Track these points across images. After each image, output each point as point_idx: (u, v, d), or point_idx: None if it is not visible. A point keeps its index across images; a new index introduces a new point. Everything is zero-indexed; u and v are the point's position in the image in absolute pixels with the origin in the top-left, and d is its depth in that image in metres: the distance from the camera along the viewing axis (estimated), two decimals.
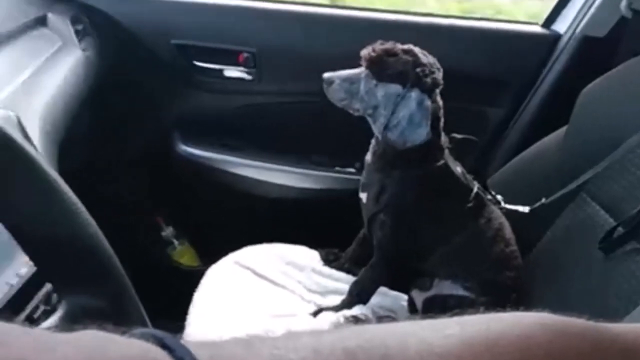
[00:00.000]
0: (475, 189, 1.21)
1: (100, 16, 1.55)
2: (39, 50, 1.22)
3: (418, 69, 1.14)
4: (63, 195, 0.48)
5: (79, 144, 1.35)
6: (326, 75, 1.19)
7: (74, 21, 1.43)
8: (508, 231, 1.24)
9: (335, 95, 1.19)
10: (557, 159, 1.28)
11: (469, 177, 1.24)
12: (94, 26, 1.50)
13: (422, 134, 1.15)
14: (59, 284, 0.51)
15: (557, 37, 1.60)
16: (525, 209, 1.24)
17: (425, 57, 1.16)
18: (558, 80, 1.58)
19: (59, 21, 1.39)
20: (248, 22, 1.62)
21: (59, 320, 0.49)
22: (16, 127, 0.88)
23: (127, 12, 1.59)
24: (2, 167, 0.46)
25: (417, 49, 1.17)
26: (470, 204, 1.19)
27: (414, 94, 1.14)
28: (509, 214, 1.26)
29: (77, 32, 1.41)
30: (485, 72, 1.62)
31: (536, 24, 1.67)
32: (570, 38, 1.57)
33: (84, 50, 1.40)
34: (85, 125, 1.34)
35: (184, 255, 1.81)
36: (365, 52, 1.17)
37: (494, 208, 1.24)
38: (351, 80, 1.18)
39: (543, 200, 1.22)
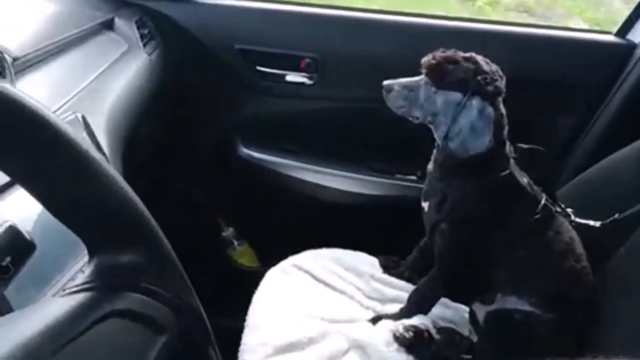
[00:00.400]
0: (542, 201, 1.16)
1: (166, 21, 1.56)
2: (106, 54, 1.23)
3: (479, 77, 1.10)
4: (85, 154, 0.47)
5: (144, 144, 1.37)
6: (386, 82, 1.17)
7: (140, 25, 1.46)
8: (579, 246, 1.17)
9: (395, 102, 1.17)
10: (633, 173, 1.22)
11: (536, 188, 1.19)
12: (159, 30, 1.52)
13: (484, 142, 1.12)
14: (88, 241, 0.50)
15: (633, 46, 1.54)
16: (596, 223, 1.18)
17: (487, 65, 1.12)
18: (633, 90, 1.50)
19: (125, 25, 1.41)
20: (310, 28, 1.62)
21: (89, 276, 0.48)
22: (82, 127, 0.89)
23: (191, 17, 1.61)
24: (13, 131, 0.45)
25: (479, 57, 1.13)
26: (537, 216, 1.14)
27: (475, 102, 1.10)
28: (580, 229, 1.20)
29: (142, 36, 1.43)
30: (556, 81, 1.56)
31: (610, 32, 1.61)
32: None
33: (149, 54, 1.41)
34: (149, 127, 1.36)
35: (243, 255, 1.82)
36: (425, 59, 1.14)
37: (564, 221, 1.19)
38: (410, 88, 1.15)
39: (616, 215, 1.16)
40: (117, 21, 1.40)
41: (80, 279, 0.49)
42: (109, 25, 1.38)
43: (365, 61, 1.58)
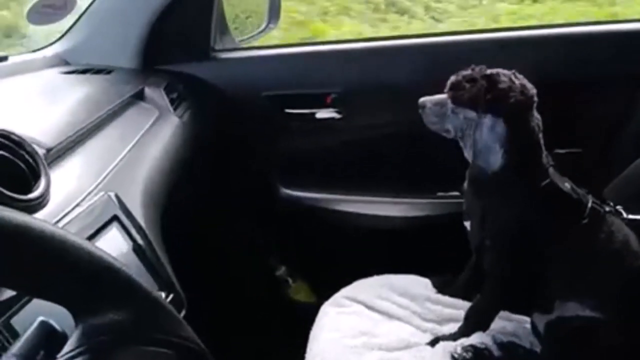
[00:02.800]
0: (589, 204, 1.12)
1: (193, 81, 1.59)
2: (137, 125, 1.26)
3: (488, 95, 1.11)
4: (47, 235, 0.48)
5: (185, 205, 1.39)
6: (421, 100, 1.21)
7: (169, 91, 1.48)
8: (635, 244, 1.13)
9: (428, 118, 1.21)
10: None
11: (581, 191, 1.15)
12: (188, 92, 1.55)
13: (497, 159, 1.13)
14: (71, 308, 0.50)
15: None
16: None
17: (508, 80, 1.12)
18: None
19: (154, 93, 1.43)
20: (330, 64, 1.64)
21: (76, 342, 0.48)
22: (116, 205, 0.92)
23: (217, 73, 1.64)
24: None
25: (503, 73, 1.13)
26: (585, 220, 1.11)
27: (486, 120, 1.12)
28: (636, 226, 1.15)
29: (172, 101, 1.45)
30: (586, 77, 1.51)
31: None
32: None
33: (180, 117, 1.43)
34: (189, 187, 1.38)
35: (299, 292, 1.82)
36: (452, 77, 1.17)
37: (616, 221, 1.14)
38: (440, 104, 1.18)
39: None
40: (147, 90, 1.43)
41: (68, 346, 0.48)
42: (139, 96, 1.40)
43: (388, 87, 1.57)
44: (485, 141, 1.12)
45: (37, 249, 0.48)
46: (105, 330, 0.49)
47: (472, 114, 1.14)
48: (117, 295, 0.51)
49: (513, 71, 1.14)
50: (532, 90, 1.13)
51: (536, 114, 1.13)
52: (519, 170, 1.13)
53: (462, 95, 1.14)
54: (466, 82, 1.14)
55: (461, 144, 1.19)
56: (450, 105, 1.17)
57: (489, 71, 1.14)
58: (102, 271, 0.50)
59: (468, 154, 1.17)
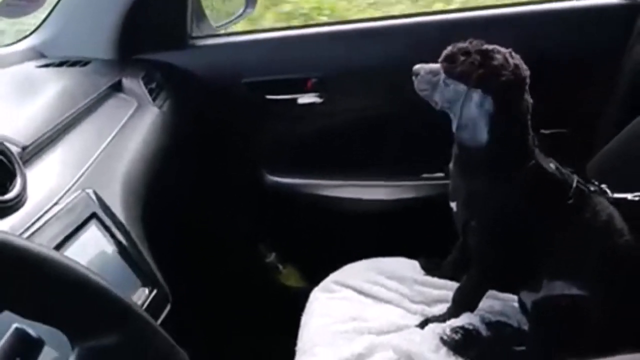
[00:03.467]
0: (574, 184, 1.11)
1: (171, 70, 1.56)
2: (116, 117, 1.23)
3: (481, 70, 1.09)
4: (42, 260, 0.49)
5: (170, 196, 1.38)
6: (416, 66, 1.18)
7: (147, 81, 1.45)
8: (619, 221, 1.12)
9: (419, 85, 1.18)
10: None
11: (566, 171, 1.14)
12: (166, 81, 1.52)
13: (482, 136, 1.11)
14: (67, 332, 0.51)
15: (638, 6, 1.46)
16: (634, 197, 1.13)
17: (502, 59, 1.10)
18: None
19: (132, 83, 1.40)
20: (309, 48, 1.61)
21: None
22: (95, 203, 0.90)
23: (196, 61, 1.61)
24: None
25: (498, 50, 1.11)
26: (570, 200, 1.10)
27: (475, 95, 1.10)
28: (620, 204, 1.15)
29: (150, 91, 1.42)
30: (568, 55, 1.50)
31: None
32: None
33: (159, 107, 1.41)
34: (172, 177, 1.36)
35: (290, 278, 1.82)
36: (448, 47, 1.15)
37: (600, 199, 1.13)
38: (433, 73, 1.16)
39: None
40: (124, 81, 1.40)
41: None
42: (117, 87, 1.38)
43: (369, 69, 1.55)
44: (472, 116, 1.10)
45: (35, 273, 0.49)
46: (101, 355, 0.50)
47: (462, 87, 1.12)
48: (111, 319, 0.51)
49: (509, 50, 1.12)
50: (526, 71, 1.11)
51: (527, 97, 1.12)
52: (504, 149, 1.12)
53: (454, 67, 1.12)
54: (461, 55, 1.12)
55: (451, 115, 1.17)
56: (442, 75, 1.15)
57: (485, 46, 1.12)
58: (97, 295, 0.51)
59: (454, 126, 1.15)
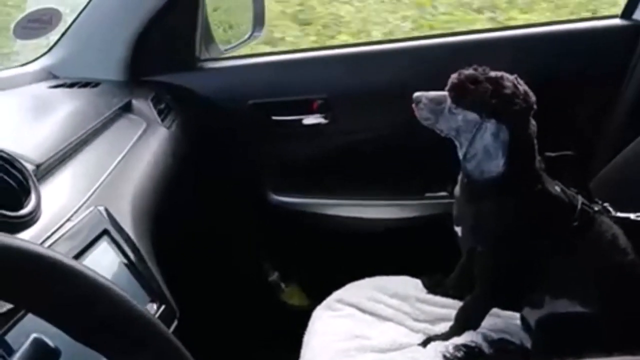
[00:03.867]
0: (579, 205, 1.12)
1: (180, 91, 1.60)
2: (125, 138, 1.26)
3: (494, 100, 1.09)
4: (92, 282, 0.51)
5: (177, 214, 1.40)
6: (416, 94, 1.17)
7: (156, 101, 1.48)
8: (622, 240, 1.13)
9: (422, 114, 1.17)
10: None
11: (571, 193, 1.15)
12: (174, 102, 1.55)
13: (498, 165, 1.10)
14: (109, 356, 0.53)
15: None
16: (638, 217, 1.14)
17: (512, 86, 1.10)
18: None
19: (141, 104, 1.43)
20: (315, 71, 1.64)
21: None
22: (106, 219, 0.93)
23: (203, 83, 1.64)
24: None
25: (507, 77, 1.11)
26: (575, 222, 1.11)
27: (490, 125, 1.09)
28: (623, 223, 1.16)
29: (159, 112, 1.45)
30: (567, 76, 1.53)
31: (615, 16, 1.56)
32: None
33: (168, 127, 1.43)
34: (179, 196, 1.39)
35: (293, 296, 1.83)
36: (453, 76, 1.14)
37: (604, 219, 1.14)
38: (437, 101, 1.15)
39: None
40: (134, 102, 1.43)
41: None
42: (127, 108, 1.41)
43: (373, 91, 1.58)
44: (486, 146, 1.09)
45: (77, 293, 0.51)
46: None
47: (473, 117, 1.11)
48: (147, 344, 0.53)
49: (515, 75, 1.12)
50: (533, 97, 1.11)
51: (532, 120, 1.12)
52: (514, 176, 1.11)
53: (465, 97, 1.11)
54: (470, 84, 1.11)
55: (456, 142, 1.16)
56: (449, 104, 1.13)
57: (493, 74, 1.11)
58: (131, 315, 0.53)
59: (461, 154, 1.14)
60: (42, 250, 0.51)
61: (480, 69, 1.12)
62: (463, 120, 1.12)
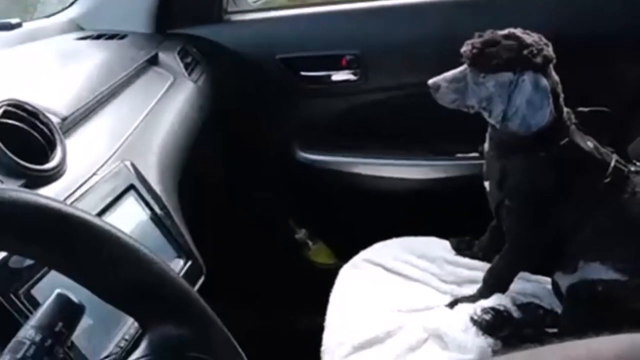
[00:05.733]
0: (613, 163, 1.09)
1: (207, 45, 1.57)
2: (152, 91, 1.24)
3: (525, 51, 1.06)
4: (120, 243, 0.50)
5: (204, 170, 1.39)
6: (431, 81, 1.14)
7: (183, 55, 1.46)
8: None
9: (446, 98, 1.14)
10: None
11: (605, 150, 1.11)
12: (202, 56, 1.53)
13: (545, 115, 1.07)
14: (139, 319, 0.53)
15: None
16: None
17: (529, 36, 1.08)
18: None
19: (168, 57, 1.42)
20: (345, 25, 1.60)
21: (144, 350, 0.51)
22: (133, 174, 0.92)
23: (231, 36, 1.61)
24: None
25: (518, 31, 1.08)
26: (607, 180, 1.08)
27: (527, 77, 1.07)
28: None
29: (186, 65, 1.43)
30: (608, 34, 1.46)
31: None
32: None
33: (195, 81, 1.42)
34: (206, 152, 1.38)
35: (320, 254, 1.83)
36: (465, 49, 1.10)
37: (639, 179, 1.11)
38: (458, 80, 1.12)
39: None
40: (161, 55, 1.41)
41: (137, 353, 0.51)
42: (153, 61, 1.39)
43: (403, 47, 1.54)
44: (529, 99, 1.06)
45: (118, 259, 0.51)
46: (169, 345, 0.52)
47: (507, 76, 1.08)
48: (181, 311, 0.53)
49: (518, 29, 1.10)
50: (550, 45, 1.10)
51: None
52: (557, 127, 1.09)
53: (491, 61, 1.08)
54: (489, 47, 1.08)
55: (485, 114, 1.13)
56: (473, 76, 1.10)
57: (503, 32, 1.09)
58: (171, 287, 0.53)
59: (496, 120, 1.11)
60: (68, 208, 0.50)
61: (487, 33, 1.10)
62: (495, 85, 1.09)
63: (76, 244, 0.50)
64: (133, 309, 0.53)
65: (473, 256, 1.33)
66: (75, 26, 1.51)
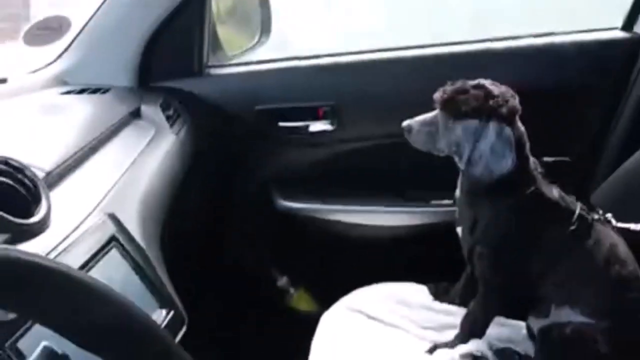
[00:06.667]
0: (577, 211, 1.13)
1: (188, 97, 1.61)
2: (134, 144, 1.27)
3: (491, 101, 1.11)
4: (93, 290, 0.53)
5: (185, 221, 1.41)
6: (405, 123, 1.19)
7: (165, 107, 1.49)
8: (623, 250, 1.14)
9: (418, 140, 1.19)
10: None
11: (569, 199, 1.16)
12: (183, 108, 1.56)
13: (507, 163, 1.12)
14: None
15: None
16: (637, 226, 1.14)
17: (496, 87, 1.13)
18: None
19: (150, 110, 1.45)
20: (322, 78, 1.66)
21: None
22: (115, 226, 0.94)
23: (211, 89, 1.66)
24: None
25: (487, 82, 1.14)
26: (573, 227, 1.12)
27: (492, 126, 1.11)
28: (624, 233, 1.16)
29: (168, 118, 1.46)
30: (570, 87, 1.53)
31: (616, 28, 1.57)
32: None
33: (176, 134, 1.44)
34: (187, 203, 1.39)
35: (301, 301, 1.84)
36: (437, 95, 1.16)
37: (604, 228, 1.15)
38: (429, 123, 1.17)
39: None
40: (143, 108, 1.44)
41: None
42: (135, 114, 1.42)
43: (378, 98, 1.60)
44: (492, 146, 1.11)
45: (95, 307, 0.53)
46: None
47: (473, 123, 1.12)
48: (159, 356, 0.55)
49: (488, 80, 1.15)
50: (517, 97, 1.15)
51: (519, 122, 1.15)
52: (513, 177, 1.13)
53: (460, 108, 1.13)
54: (459, 95, 1.13)
55: (455, 158, 1.18)
56: (443, 121, 1.15)
57: (473, 82, 1.14)
58: (147, 332, 0.55)
59: (463, 164, 1.16)
60: (46, 262, 0.52)
61: (458, 83, 1.15)
62: (463, 130, 1.13)
63: (49, 292, 0.52)
64: (110, 354, 0.54)
65: (450, 301, 1.35)
66: (60, 81, 1.54)
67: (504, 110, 1.11)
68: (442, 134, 1.16)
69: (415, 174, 1.61)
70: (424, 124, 1.17)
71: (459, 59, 1.58)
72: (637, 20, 1.53)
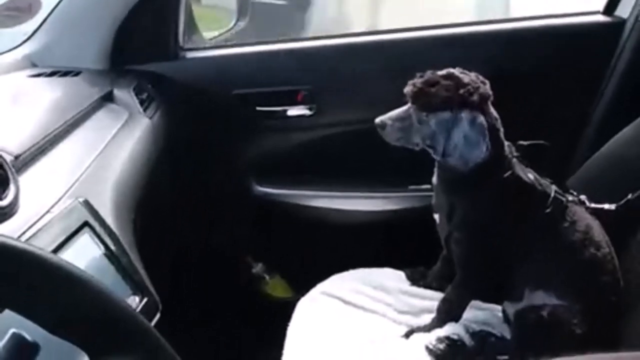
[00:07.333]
0: (552, 193, 1.14)
1: (163, 81, 1.59)
2: (107, 128, 1.25)
3: (461, 90, 1.11)
4: (66, 274, 0.51)
5: (159, 206, 1.39)
6: (378, 120, 1.19)
7: (138, 91, 1.47)
8: (597, 232, 1.15)
9: (391, 136, 1.19)
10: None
11: (544, 181, 1.17)
12: (157, 92, 1.54)
13: (482, 150, 1.12)
14: (87, 350, 0.53)
15: (622, 22, 1.50)
16: (611, 206, 1.16)
17: (466, 76, 1.14)
18: (629, 67, 1.47)
19: (123, 94, 1.42)
20: (300, 61, 1.64)
21: None
22: (87, 211, 0.92)
23: (187, 72, 1.64)
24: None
25: (456, 71, 1.14)
26: (548, 210, 1.13)
27: (464, 115, 1.12)
28: (599, 215, 1.18)
29: (141, 101, 1.44)
30: (550, 71, 1.54)
31: (597, 12, 1.57)
32: (636, 21, 1.47)
33: (150, 118, 1.42)
34: (162, 187, 1.38)
35: (276, 288, 1.84)
36: (407, 89, 1.16)
37: (578, 210, 1.16)
38: (402, 119, 1.17)
39: (629, 196, 1.14)
40: (116, 92, 1.42)
41: None
42: (108, 98, 1.40)
43: (358, 83, 1.59)
44: (466, 136, 1.11)
45: (63, 289, 0.52)
46: None
47: (446, 115, 1.13)
48: (129, 339, 0.53)
49: (457, 68, 1.15)
50: (487, 83, 1.15)
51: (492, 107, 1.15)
52: (488, 163, 1.13)
53: (431, 100, 1.13)
54: (429, 87, 1.13)
55: (430, 151, 1.18)
56: (416, 115, 1.15)
57: (442, 72, 1.14)
58: (118, 314, 0.54)
59: (439, 155, 1.16)
60: (11, 242, 0.51)
61: (427, 73, 1.15)
62: (436, 123, 1.14)
63: (20, 276, 0.51)
64: (81, 340, 0.53)
65: (427, 286, 1.36)
66: (29, 63, 1.51)
67: (475, 98, 1.12)
68: (416, 128, 1.16)
69: (393, 159, 1.61)
70: (397, 119, 1.17)
71: (438, 42, 1.58)
72: (618, 4, 1.53)
